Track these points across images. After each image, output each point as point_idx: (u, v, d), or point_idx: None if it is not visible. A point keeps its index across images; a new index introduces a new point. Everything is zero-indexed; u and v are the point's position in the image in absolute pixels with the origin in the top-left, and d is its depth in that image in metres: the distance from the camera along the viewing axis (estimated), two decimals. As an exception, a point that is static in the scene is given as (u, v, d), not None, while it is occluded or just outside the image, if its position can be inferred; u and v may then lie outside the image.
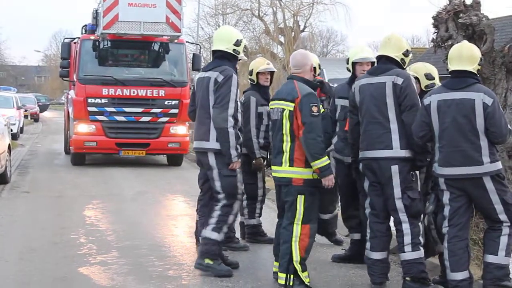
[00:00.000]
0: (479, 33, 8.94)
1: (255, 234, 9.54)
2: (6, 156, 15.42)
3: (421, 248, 7.20)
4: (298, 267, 7.08)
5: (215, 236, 7.83)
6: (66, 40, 20.34)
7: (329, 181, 7.06)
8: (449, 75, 7.07)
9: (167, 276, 7.87)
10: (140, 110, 18.45)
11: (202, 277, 7.82)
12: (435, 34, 9.69)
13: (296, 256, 7.08)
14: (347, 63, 8.45)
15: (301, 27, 49.81)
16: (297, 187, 7.12)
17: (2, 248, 9.20)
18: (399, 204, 7.17)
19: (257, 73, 9.44)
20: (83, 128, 18.49)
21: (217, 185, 7.91)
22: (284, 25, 48.56)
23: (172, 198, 13.82)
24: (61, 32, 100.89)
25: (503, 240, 6.95)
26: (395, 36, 7.53)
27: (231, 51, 8.04)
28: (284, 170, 7.20)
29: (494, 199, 6.86)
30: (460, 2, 9.39)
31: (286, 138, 7.18)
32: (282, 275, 7.13)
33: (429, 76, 7.74)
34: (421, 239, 7.23)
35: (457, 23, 9.25)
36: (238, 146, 7.88)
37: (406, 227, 7.17)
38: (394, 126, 7.18)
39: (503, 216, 6.90)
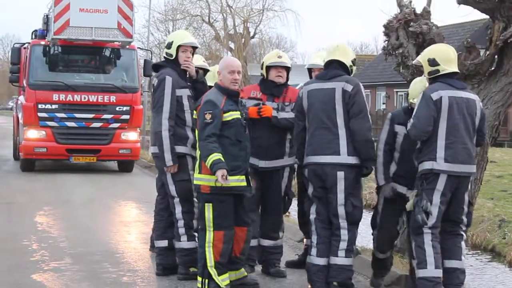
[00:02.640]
0: (429, 42, 9.09)
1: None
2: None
3: (353, 255, 7.35)
4: (212, 271, 7.06)
5: (193, 245, 7.85)
6: (16, 45, 20.09)
7: (219, 176, 6.80)
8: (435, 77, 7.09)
9: (122, 282, 7.86)
10: (91, 116, 18.34)
11: (157, 282, 7.86)
12: (386, 42, 9.84)
13: (210, 261, 7.06)
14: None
15: (251, 34, 50.05)
16: (204, 195, 7.10)
17: (-47, 255, 9.11)
18: (341, 210, 7.21)
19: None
20: (33, 134, 18.32)
21: (171, 189, 7.88)
22: (234, 31, 48.75)
23: (124, 204, 13.78)
24: (8, 37, 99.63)
25: (463, 245, 7.17)
26: (343, 44, 7.62)
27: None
28: (195, 177, 7.23)
29: (465, 199, 7.10)
30: (410, 11, 9.54)
31: (197, 145, 7.25)
32: (199, 279, 7.18)
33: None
34: (355, 247, 7.42)
35: (407, 32, 9.41)
36: (186, 148, 7.88)
37: (344, 233, 7.24)
38: (342, 132, 7.21)
39: (464, 218, 7.11)
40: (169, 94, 7.78)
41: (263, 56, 55.02)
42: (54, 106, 18.26)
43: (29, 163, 19.03)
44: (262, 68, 8.15)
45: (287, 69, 8.10)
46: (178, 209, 7.87)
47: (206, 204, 7.07)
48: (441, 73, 7.06)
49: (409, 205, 7.07)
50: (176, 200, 7.87)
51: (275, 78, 8.00)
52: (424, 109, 6.94)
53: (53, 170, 19.24)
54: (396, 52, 9.54)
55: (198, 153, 7.15)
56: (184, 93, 7.95)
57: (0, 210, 12.77)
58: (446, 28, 32.87)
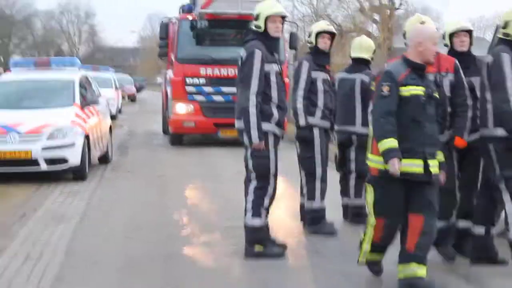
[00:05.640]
0: None
1: (359, 215, 9.32)
2: (108, 136, 15.68)
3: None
4: (365, 246, 6.65)
5: (257, 222, 7.67)
6: (164, 21, 20.42)
7: (391, 167, 6.16)
8: None
9: (272, 257, 7.79)
10: (237, 90, 18.39)
11: (307, 259, 7.77)
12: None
13: (368, 238, 6.62)
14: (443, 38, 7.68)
15: (396, 5, 49.05)
16: (370, 177, 6.51)
17: (108, 226, 9.35)
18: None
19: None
20: (181, 108, 18.61)
21: (250, 163, 7.69)
22: (379, 3, 47.91)
23: (271, 178, 13.71)
24: (156, 14, 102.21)
25: None
26: None
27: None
28: (367, 157, 6.64)
29: None
30: None
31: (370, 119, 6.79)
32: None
33: None
34: None
35: None
36: (269, 125, 7.60)
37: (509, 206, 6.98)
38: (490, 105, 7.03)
39: None
40: (258, 69, 7.46)
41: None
42: (201, 81, 18.47)
43: (178, 137, 19.40)
44: (405, 38, 7.36)
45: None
46: (253, 185, 7.70)
47: (367, 185, 6.51)
48: None
49: None
50: (253, 175, 7.67)
51: None
52: None
53: (201, 143, 19.49)
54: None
55: (370, 129, 6.63)
56: (273, 68, 7.63)
57: (151, 183, 13.07)
58: None
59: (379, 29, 46.21)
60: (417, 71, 6.42)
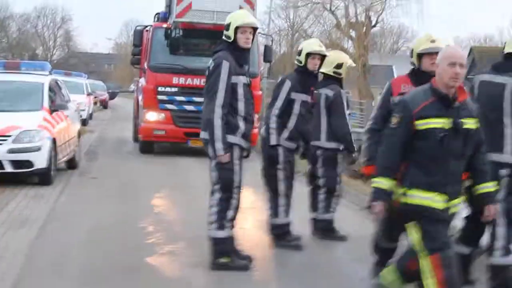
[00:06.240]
0: None
1: (327, 230, 9.25)
2: (76, 141, 15.49)
3: None
4: None
5: (222, 234, 7.58)
6: (138, 28, 20.29)
7: (373, 208, 5.70)
8: None
9: (237, 269, 7.66)
10: (209, 100, 18.26)
11: (273, 271, 7.69)
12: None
13: None
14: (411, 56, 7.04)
15: (373, 22, 49.20)
16: (408, 218, 5.71)
17: (70, 234, 9.13)
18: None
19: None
20: (152, 116, 18.46)
21: (213, 175, 7.63)
22: (355, 19, 48.04)
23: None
24: (132, 21, 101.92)
25: None
26: None
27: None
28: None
29: None
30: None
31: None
32: None
33: None
34: None
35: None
36: (235, 138, 7.50)
37: (501, 230, 6.64)
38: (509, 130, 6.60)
39: None
40: (225, 80, 7.32)
41: (383, 46, 54.03)
42: (173, 89, 18.35)
43: (148, 145, 19.22)
44: (412, 56, 6.92)
45: None
46: (217, 196, 7.63)
47: (411, 226, 5.68)
48: None
49: None
50: (217, 187, 7.61)
51: (431, 67, 6.37)
52: None
53: (171, 152, 19.34)
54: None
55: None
56: (240, 80, 7.49)
57: (118, 190, 12.89)
58: None
59: (354, 45, 46.28)
60: (444, 101, 5.60)
